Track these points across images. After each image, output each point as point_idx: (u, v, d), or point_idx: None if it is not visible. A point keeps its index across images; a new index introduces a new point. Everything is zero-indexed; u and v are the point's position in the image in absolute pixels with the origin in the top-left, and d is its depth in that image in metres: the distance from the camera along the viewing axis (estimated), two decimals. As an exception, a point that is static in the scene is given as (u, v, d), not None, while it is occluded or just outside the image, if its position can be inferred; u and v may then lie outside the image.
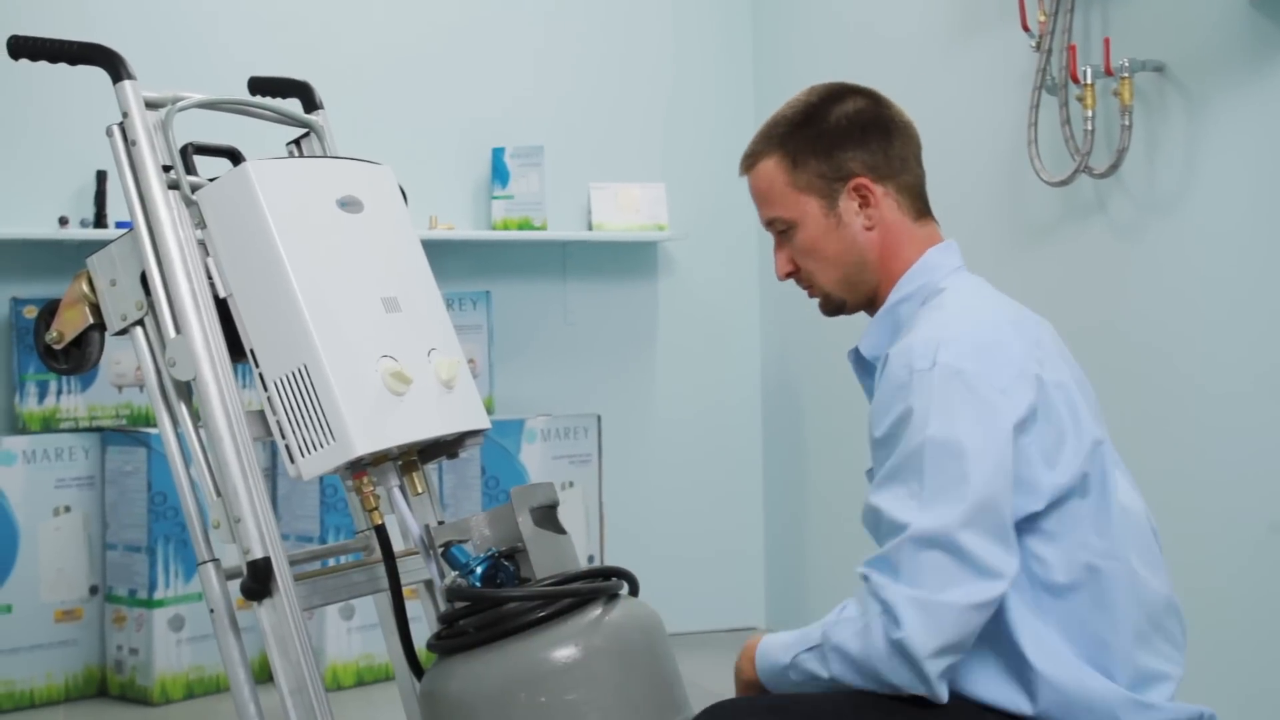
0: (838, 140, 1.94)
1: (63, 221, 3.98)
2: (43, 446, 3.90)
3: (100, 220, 4.02)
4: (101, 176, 4.02)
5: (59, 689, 3.89)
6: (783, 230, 1.98)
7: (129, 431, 3.96)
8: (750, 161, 2.00)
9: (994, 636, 1.74)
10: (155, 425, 3.95)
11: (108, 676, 3.95)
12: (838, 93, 1.99)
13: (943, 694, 1.69)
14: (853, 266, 1.95)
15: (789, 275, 2.01)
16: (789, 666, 1.77)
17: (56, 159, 4.07)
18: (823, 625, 1.75)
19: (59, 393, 3.98)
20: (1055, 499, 1.76)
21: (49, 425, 3.97)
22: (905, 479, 1.73)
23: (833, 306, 2.01)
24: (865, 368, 1.98)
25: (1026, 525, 1.74)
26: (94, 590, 3.96)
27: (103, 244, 2.09)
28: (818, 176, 1.94)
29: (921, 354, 1.76)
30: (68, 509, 3.93)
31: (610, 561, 3.93)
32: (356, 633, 4.03)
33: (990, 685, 1.76)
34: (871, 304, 1.99)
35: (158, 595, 3.87)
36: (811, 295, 2.02)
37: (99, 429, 4.00)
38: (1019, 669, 1.75)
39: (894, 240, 1.95)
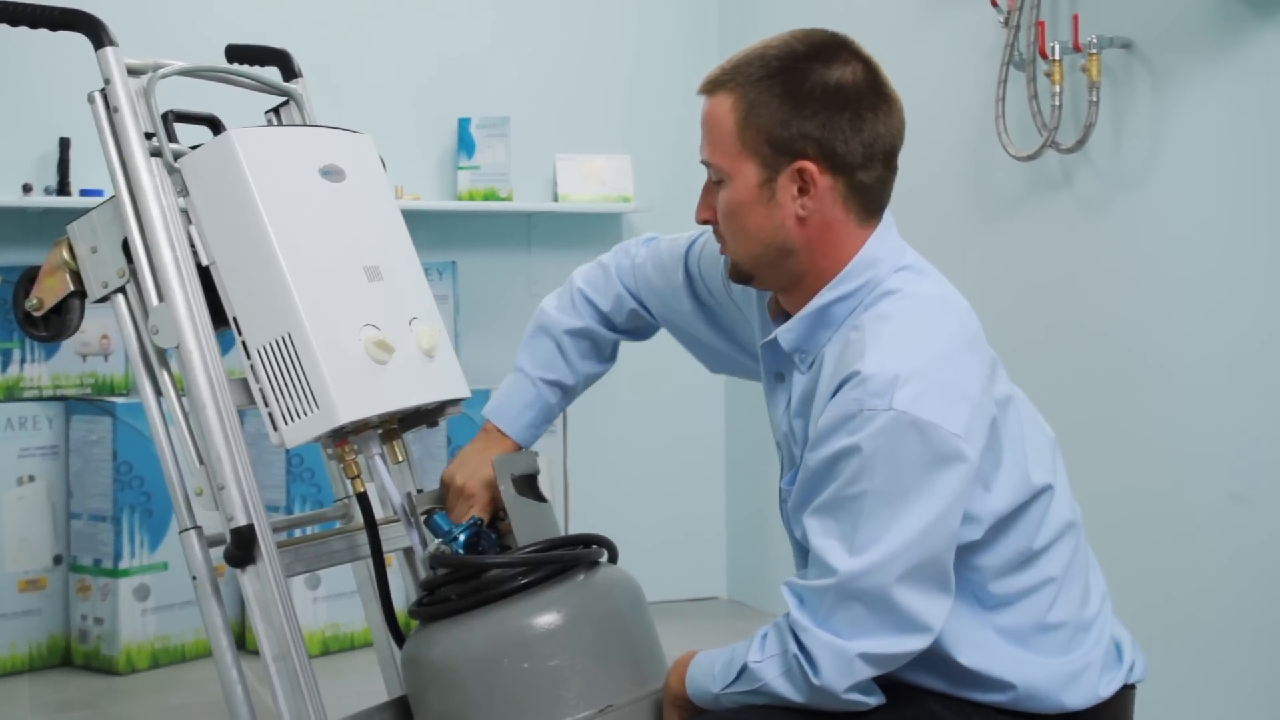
0: (803, 109, 1.74)
1: (26, 189, 3.94)
2: (6, 415, 3.88)
3: (64, 188, 3.98)
4: (65, 144, 3.99)
5: (23, 659, 3.88)
6: (716, 179, 1.82)
7: (93, 400, 3.94)
8: (710, 88, 1.82)
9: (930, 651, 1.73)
10: (120, 394, 3.97)
11: (72, 646, 3.95)
12: (830, 51, 1.77)
13: (875, 702, 1.71)
14: (773, 250, 1.79)
15: (706, 223, 1.86)
16: (719, 695, 1.77)
17: (19, 126, 4.03)
18: (746, 658, 1.73)
19: (22, 361, 3.96)
20: (994, 523, 1.74)
21: (12, 394, 3.94)
22: (840, 518, 1.67)
23: (740, 276, 1.86)
24: (780, 357, 1.86)
25: (963, 546, 1.72)
26: (58, 560, 3.95)
27: (67, 211, 2.08)
28: (765, 142, 1.75)
29: (877, 390, 1.64)
30: (31, 478, 3.92)
31: (573, 531, 3.95)
32: (322, 602, 4.04)
33: (934, 680, 1.78)
34: (787, 291, 1.84)
35: (123, 565, 3.86)
36: (723, 254, 1.88)
37: (63, 398, 3.98)
38: (958, 676, 1.76)
39: (829, 239, 1.78)
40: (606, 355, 2.23)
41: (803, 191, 1.76)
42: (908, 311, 1.75)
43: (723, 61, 1.83)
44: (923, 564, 1.65)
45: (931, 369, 1.68)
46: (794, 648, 1.69)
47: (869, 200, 1.79)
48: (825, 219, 1.77)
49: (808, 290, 1.81)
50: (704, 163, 1.84)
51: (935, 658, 1.74)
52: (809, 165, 1.75)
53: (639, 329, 2.24)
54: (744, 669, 1.73)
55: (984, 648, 1.75)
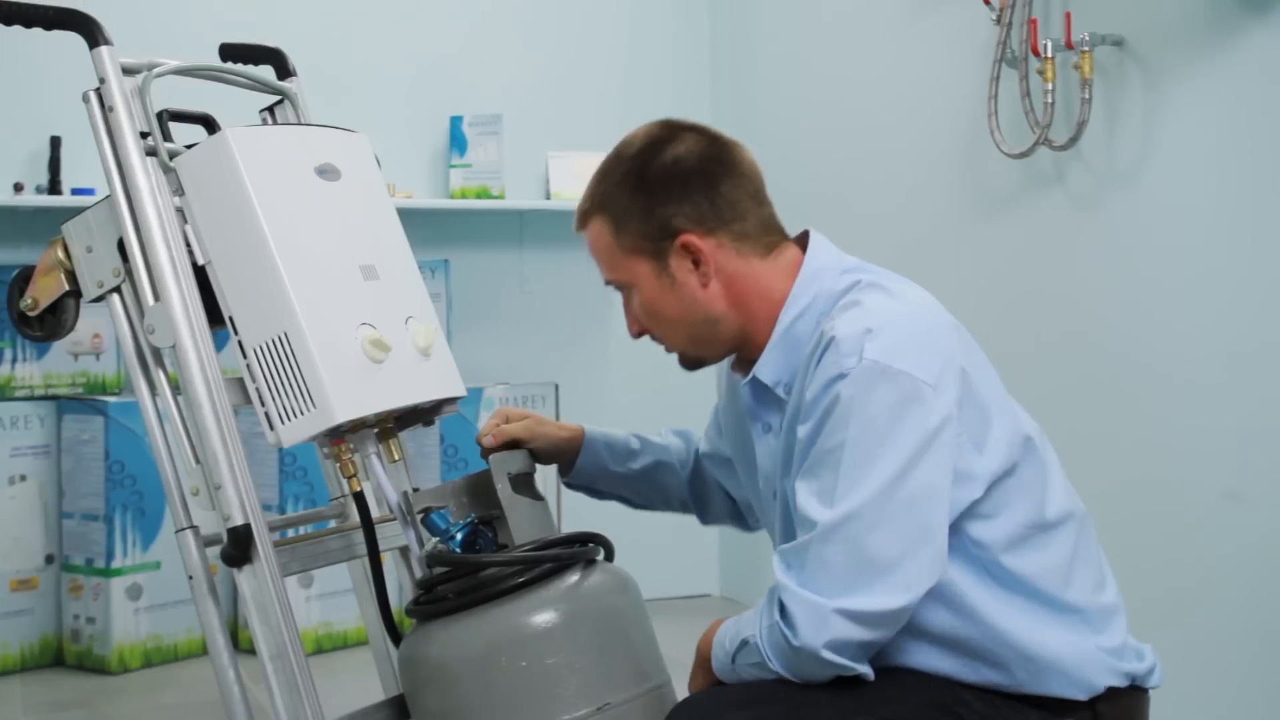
0: (658, 196, 1.85)
1: (17, 188, 3.93)
2: (-3, 415, 3.87)
3: (55, 186, 3.97)
4: (56, 142, 3.97)
5: (14, 658, 3.87)
6: (624, 290, 1.93)
7: (85, 400, 3.93)
8: (580, 221, 1.94)
9: (957, 618, 1.75)
10: (112, 393, 3.96)
11: (64, 646, 3.94)
12: (662, 138, 1.89)
13: (861, 669, 1.70)
14: (700, 324, 1.89)
15: (639, 335, 1.95)
16: (735, 666, 1.78)
17: (9, 124, 4.02)
18: (756, 617, 1.75)
19: (14, 361, 3.94)
20: (992, 483, 1.75)
21: (3, 393, 3.93)
22: (820, 474, 1.71)
23: (690, 363, 1.96)
24: (766, 398, 1.90)
25: (966, 511, 1.74)
26: (50, 559, 3.94)
27: (58, 210, 2.08)
28: (643, 238, 1.86)
29: (850, 349, 1.70)
30: (23, 478, 3.91)
31: (566, 530, 3.95)
32: (315, 601, 4.03)
33: (959, 668, 1.78)
34: (738, 351, 1.93)
35: (115, 564, 3.85)
36: (668, 352, 1.97)
37: (55, 397, 3.97)
38: (979, 651, 1.77)
39: (743, 286, 1.87)
40: (688, 467, 2.39)
41: (696, 263, 1.86)
42: (872, 292, 1.81)
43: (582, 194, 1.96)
44: (898, 512, 1.66)
45: (900, 324, 1.74)
46: (776, 614, 1.70)
47: (759, 238, 1.88)
48: (728, 274, 1.86)
49: (756, 339, 1.89)
50: (608, 284, 1.95)
51: (955, 634, 1.75)
52: (688, 238, 1.85)
53: (707, 472, 2.38)
54: (744, 644, 1.75)
55: (1005, 621, 1.75)
